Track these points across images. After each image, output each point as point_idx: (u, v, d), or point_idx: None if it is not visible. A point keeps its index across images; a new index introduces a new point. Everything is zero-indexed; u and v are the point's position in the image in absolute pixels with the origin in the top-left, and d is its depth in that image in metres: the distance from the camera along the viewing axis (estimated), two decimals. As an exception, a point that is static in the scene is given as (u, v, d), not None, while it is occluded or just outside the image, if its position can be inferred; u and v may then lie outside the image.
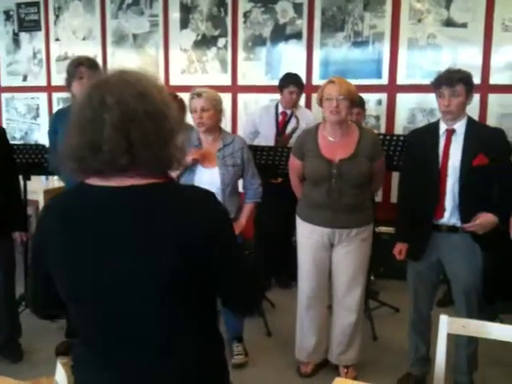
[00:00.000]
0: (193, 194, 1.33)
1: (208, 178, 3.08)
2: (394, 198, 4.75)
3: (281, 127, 4.43)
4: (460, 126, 2.77)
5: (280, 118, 4.47)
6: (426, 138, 2.88)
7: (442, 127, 2.82)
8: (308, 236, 3.08)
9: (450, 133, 2.79)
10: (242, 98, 5.36)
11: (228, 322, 3.31)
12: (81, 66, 3.12)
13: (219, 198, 3.14)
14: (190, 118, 3.22)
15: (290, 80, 4.40)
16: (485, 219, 2.68)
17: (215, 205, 1.34)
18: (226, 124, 5.21)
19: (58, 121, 3.25)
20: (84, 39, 5.91)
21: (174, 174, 2.94)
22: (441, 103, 2.75)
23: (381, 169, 3.09)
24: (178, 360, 1.32)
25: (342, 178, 2.91)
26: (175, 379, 1.33)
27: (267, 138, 4.41)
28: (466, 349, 2.93)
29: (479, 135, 2.75)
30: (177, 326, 1.31)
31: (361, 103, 3.99)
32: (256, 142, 4.37)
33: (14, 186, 3.32)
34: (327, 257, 3.08)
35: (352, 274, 3.05)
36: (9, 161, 3.29)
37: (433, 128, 2.88)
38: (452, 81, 2.69)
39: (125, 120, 1.23)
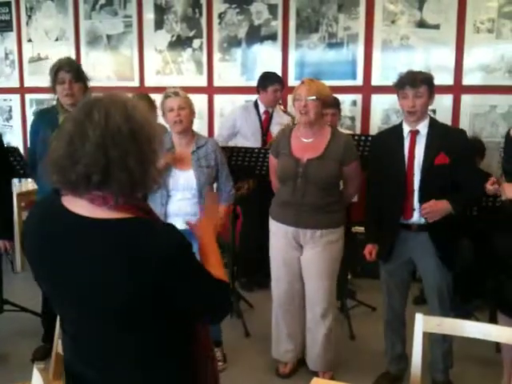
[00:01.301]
0: (152, 231, 1.30)
1: (184, 181, 3.08)
2: (369, 198, 4.79)
3: (265, 126, 4.43)
4: (423, 127, 2.82)
5: (263, 116, 4.46)
6: (390, 139, 2.91)
7: (406, 128, 2.85)
8: (276, 234, 3.11)
9: (414, 134, 2.83)
10: (217, 99, 5.35)
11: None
12: (60, 71, 3.12)
13: (196, 200, 3.16)
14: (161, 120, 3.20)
15: (274, 78, 4.42)
16: (438, 202, 2.73)
17: (172, 239, 1.30)
18: (203, 125, 5.20)
19: (39, 121, 3.25)
20: (57, 40, 5.83)
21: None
22: (404, 104, 2.78)
23: (354, 173, 3.05)
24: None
25: (308, 178, 2.92)
26: None
27: (252, 138, 4.37)
28: (441, 346, 2.97)
29: (441, 135, 2.80)
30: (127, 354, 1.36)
31: (336, 104, 4.01)
32: (232, 143, 4.37)
33: (7, 191, 3.25)
34: (297, 257, 3.07)
35: (319, 278, 3.03)
36: (5, 165, 3.25)
37: (397, 130, 2.91)
38: (415, 82, 2.73)
39: (107, 137, 1.25)
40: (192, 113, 3.12)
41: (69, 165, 1.26)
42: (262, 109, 4.47)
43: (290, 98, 4.89)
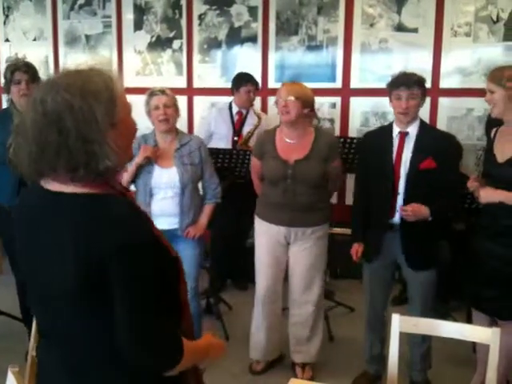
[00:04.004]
0: (116, 213, 1.25)
1: (166, 179, 3.06)
2: (348, 200, 4.81)
3: (237, 127, 4.43)
4: (412, 129, 2.84)
5: (236, 117, 4.46)
6: (380, 140, 2.93)
7: (396, 130, 2.87)
8: (265, 234, 3.14)
9: (403, 135, 2.85)
10: (197, 100, 5.34)
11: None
12: (17, 72, 3.11)
13: (178, 199, 3.14)
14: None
15: (245, 79, 4.42)
16: (418, 207, 2.75)
17: (129, 227, 1.23)
18: (182, 126, 5.17)
19: None
20: (35, 40, 5.77)
21: (125, 175, 2.96)
22: (397, 105, 2.79)
23: (337, 170, 3.15)
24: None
25: (297, 179, 2.97)
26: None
27: (224, 139, 4.39)
28: (420, 347, 3.00)
29: (430, 139, 2.82)
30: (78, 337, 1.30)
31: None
32: (210, 145, 4.36)
33: None
34: (284, 256, 3.13)
35: (309, 271, 3.10)
36: None
37: (386, 130, 2.93)
38: (410, 83, 2.75)
39: (44, 123, 1.24)
40: (177, 111, 3.12)
41: (24, 154, 1.28)
42: (235, 110, 4.47)
43: (270, 99, 4.93)
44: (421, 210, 2.75)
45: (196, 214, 3.18)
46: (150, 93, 3.08)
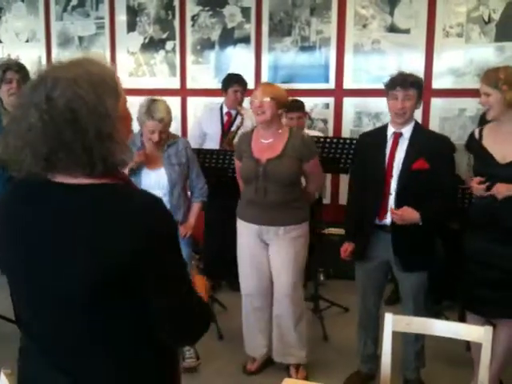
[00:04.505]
0: (136, 201, 1.22)
1: (155, 180, 3.08)
2: (342, 200, 4.83)
3: (226, 128, 4.46)
4: (407, 130, 2.84)
5: (225, 118, 4.50)
6: (375, 140, 2.95)
7: (390, 130, 2.89)
8: (244, 234, 3.17)
9: (397, 136, 2.86)
10: (191, 101, 5.34)
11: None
12: (9, 71, 3.13)
13: (167, 198, 3.13)
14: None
15: (233, 79, 4.46)
16: (407, 212, 2.75)
17: (157, 215, 1.22)
18: (176, 127, 5.17)
19: None
20: (28, 41, 5.76)
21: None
22: (393, 105, 2.80)
23: (314, 170, 3.14)
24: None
25: (268, 177, 2.99)
26: None
27: (214, 139, 4.44)
28: (413, 346, 3.00)
29: (424, 140, 2.82)
30: (88, 344, 1.25)
31: (301, 107, 4.01)
32: (204, 146, 4.37)
33: None
34: (264, 255, 3.15)
35: (286, 271, 3.10)
36: None
37: (382, 131, 2.95)
38: (406, 83, 2.76)
39: (49, 121, 1.16)
40: (169, 128, 3.14)
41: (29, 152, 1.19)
42: (225, 110, 4.52)
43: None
44: (410, 215, 2.75)
45: (186, 213, 3.22)
46: (149, 112, 3.00)
